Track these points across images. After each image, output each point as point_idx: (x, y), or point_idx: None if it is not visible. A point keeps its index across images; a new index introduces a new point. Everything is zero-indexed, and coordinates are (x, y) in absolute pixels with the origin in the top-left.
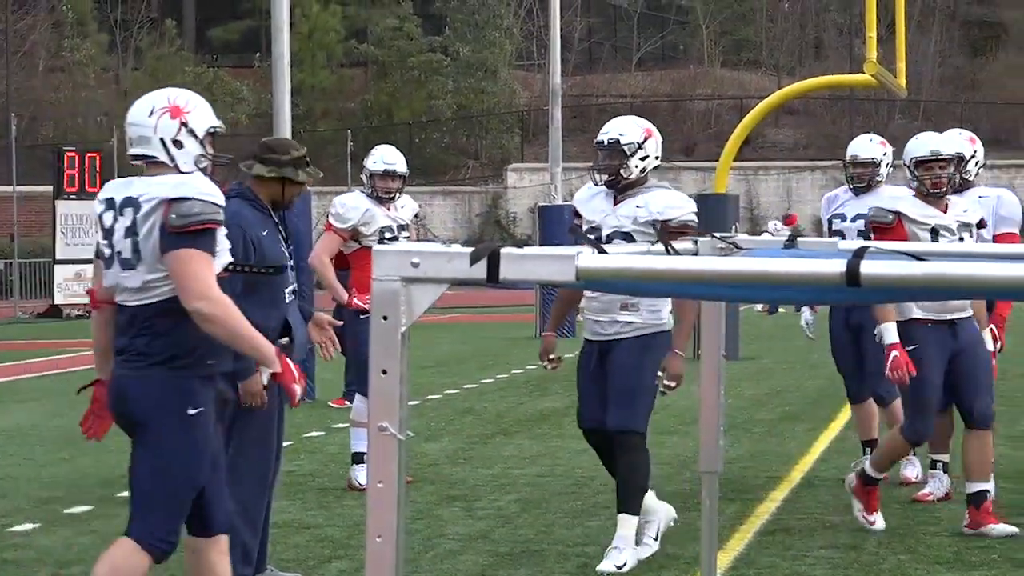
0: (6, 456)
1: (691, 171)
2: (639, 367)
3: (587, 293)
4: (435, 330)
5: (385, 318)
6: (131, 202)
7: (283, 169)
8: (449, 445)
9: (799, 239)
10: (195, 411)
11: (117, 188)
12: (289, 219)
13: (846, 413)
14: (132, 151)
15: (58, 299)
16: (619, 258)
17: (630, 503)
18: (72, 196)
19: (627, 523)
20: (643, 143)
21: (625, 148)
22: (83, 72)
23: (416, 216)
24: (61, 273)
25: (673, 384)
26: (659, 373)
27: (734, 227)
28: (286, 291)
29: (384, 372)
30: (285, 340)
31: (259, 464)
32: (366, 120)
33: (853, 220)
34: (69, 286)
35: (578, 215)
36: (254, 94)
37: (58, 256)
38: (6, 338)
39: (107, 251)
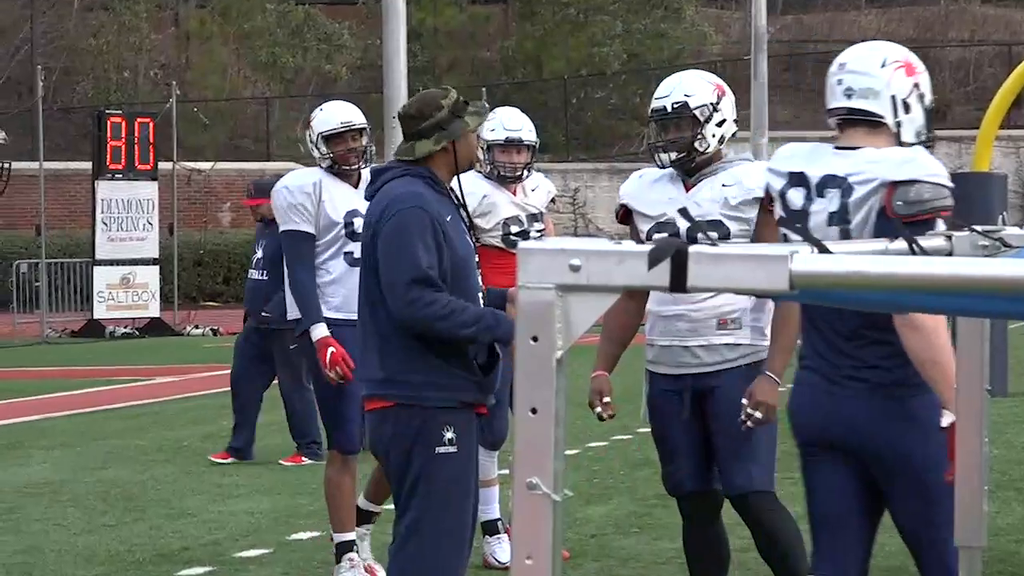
0: (30, 521)
1: (942, 141)
2: None
3: (658, 307)
4: (595, 354)
5: (535, 339)
6: (836, 181)
7: (450, 129)
8: (618, 508)
9: None
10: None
11: (804, 159)
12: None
13: None
14: (846, 104)
15: (98, 312)
16: (849, 260)
17: None
18: (118, 175)
19: None
20: (718, 104)
21: (696, 113)
22: (132, 11)
23: (553, 201)
24: (103, 278)
25: (759, 415)
26: (743, 400)
27: (1001, 217)
28: (479, 295)
29: (533, 411)
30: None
31: (458, 518)
32: (506, 74)
33: None
34: (114, 295)
35: (627, 214)
36: (358, 40)
37: (99, 255)
38: (32, 363)
39: (793, 235)
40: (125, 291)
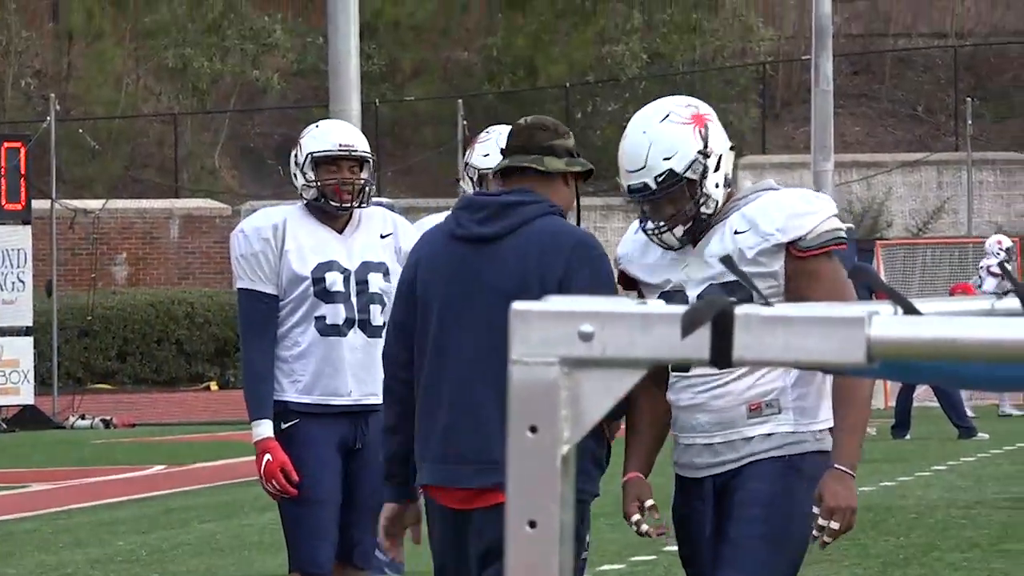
0: None
1: None
2: (781, 502)
3: (674, 396)
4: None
5: (533, 430)
6: None
7: (580, 159)
8: None
9: None
10: None
11: None
12: None
13: None
14: None
15: None
16: (946, 324)
17: None
18: None
19: None
20: (707, 144)
21: (690, 174)
22: None
23: None
24: None
25: (836, 525)
26: (814, 509)
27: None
28: None
29: (531, 525)
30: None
31: None
32: (490, 81)
33: None
34: None
35: (628, 281)
36: (294, 37)
37: None
38: None
39: None
40: None
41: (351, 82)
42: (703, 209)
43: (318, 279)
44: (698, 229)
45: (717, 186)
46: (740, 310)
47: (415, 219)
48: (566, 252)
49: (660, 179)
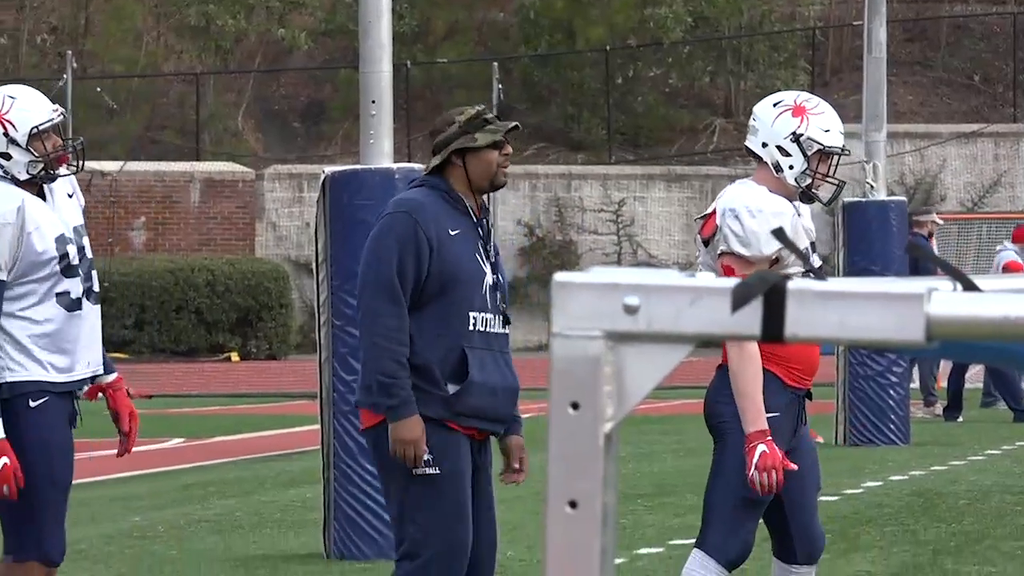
0: None
1: None
2: None
3: None
4: (649, 429)
5: (575, 407)
6: None
7: (454, 144)
8: None
9: None
10: None
11: None
12: None
13: None
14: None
15: None
16: (1011, 302)
17: None
18: None
19: None
20: None
21: None
22: None
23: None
24: None
25: None
26: None
27: None
28: (472, 316)
29: (572, 505)
30: (452, 389)
31: None
32: (526, 44)
33: None
34: None
35: None
36: None
37: None
38: None
39: None
40: None
41: (382, 43)
42: None
43: (63, 254)
44: None
45: None
46: (793, 285)
47: None
48: None
49: None
